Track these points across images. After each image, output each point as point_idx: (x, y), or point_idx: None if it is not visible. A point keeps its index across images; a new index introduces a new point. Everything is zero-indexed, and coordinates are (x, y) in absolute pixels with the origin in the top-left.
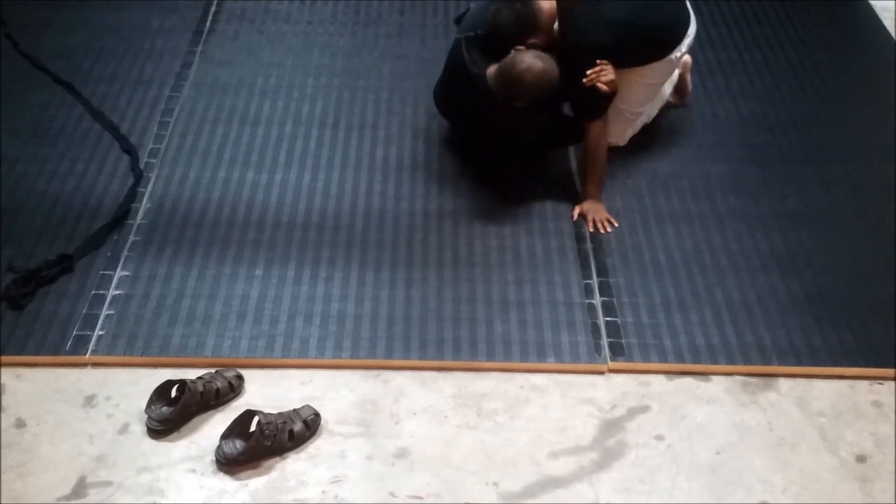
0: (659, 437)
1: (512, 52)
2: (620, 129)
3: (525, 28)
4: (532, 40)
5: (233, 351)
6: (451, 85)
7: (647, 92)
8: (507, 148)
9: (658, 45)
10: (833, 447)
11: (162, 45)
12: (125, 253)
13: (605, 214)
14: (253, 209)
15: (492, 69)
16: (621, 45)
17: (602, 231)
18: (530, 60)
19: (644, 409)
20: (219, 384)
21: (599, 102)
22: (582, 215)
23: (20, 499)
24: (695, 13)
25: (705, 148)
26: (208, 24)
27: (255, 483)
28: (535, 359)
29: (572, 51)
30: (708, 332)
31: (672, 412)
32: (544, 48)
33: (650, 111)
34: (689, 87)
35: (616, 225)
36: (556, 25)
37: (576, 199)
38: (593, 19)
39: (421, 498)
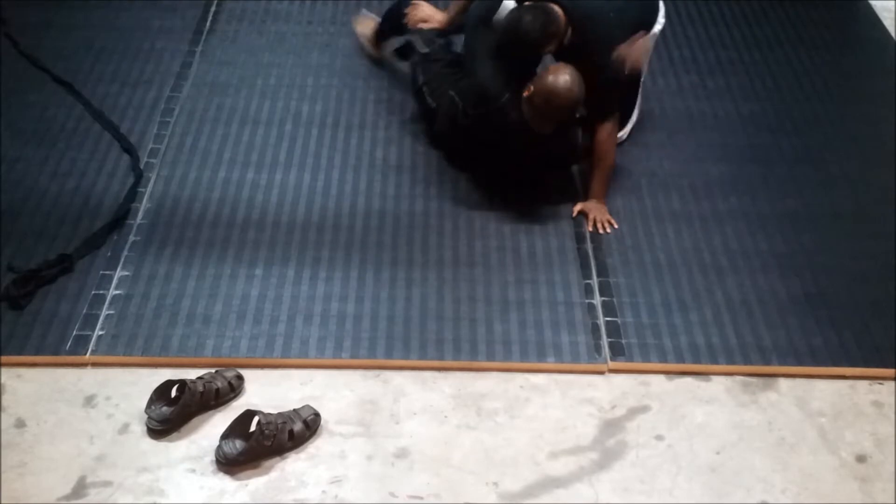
0: (659, 437)
1: (540, 78)
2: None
3: (549, 32)
4: (549, 48)
5: (233, 351)
6: (464, 125)
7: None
8: (514, 167)
9: (648, 13)
10: (833, 447)
11: (162, 45)
12: (125, 253)
13: (607, 215)
14: (253, 209)
15: (529, 92)
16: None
17: (601, 231)
18: (563, 77)
19: (644, 409)
20: (219, 384)
21: (612, 97)
22: (583, 213)
23: (20, 499)
24: (696, 13)
25: (705, 148)
26: (208, 24)
27: (255, 483)
28: (535, 359)
29: (590, 39)
30: (708, 332)
31: (672, 412)
32: (555, 54)
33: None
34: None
35: (616, 226)
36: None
37: (576, 199)
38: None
39: (421, 498)
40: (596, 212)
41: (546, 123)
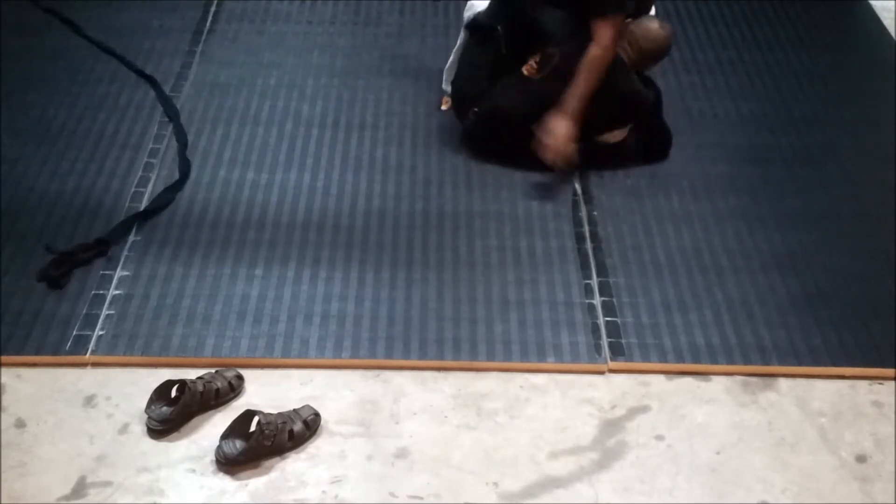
0: (659, 437)
1: (644, 27)
2: None
3: None
4: None
5: (233, 351)
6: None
7: None
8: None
9: None
10: (833, 447)
11: (162, 45)
12: (125, 253)
13: (567, 147)
14: (253, 209)
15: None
16: None
17: (554, 168)
18: (663, 26)
19: (644, 409)
20: (219, 384)
21: None
22: (543, 136)
23: (20, 499)
24: (696, 13)
25: (705, 148)
26: (208, 24)
27: (255, 483)
28: (535, 359)
29: None
30: (708, 332)
31: (672, 412)
32: None
33: None
34: None
35: (578, 165)
36: None
37: (576, 200)
38: None
39: (421, 498)
40: (552, 137)
41: (648, 63)
